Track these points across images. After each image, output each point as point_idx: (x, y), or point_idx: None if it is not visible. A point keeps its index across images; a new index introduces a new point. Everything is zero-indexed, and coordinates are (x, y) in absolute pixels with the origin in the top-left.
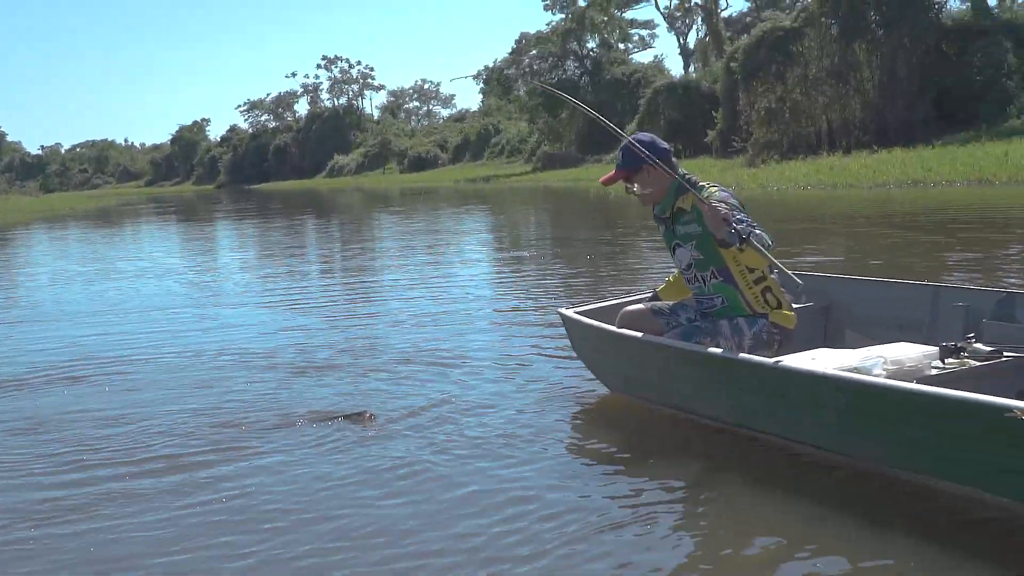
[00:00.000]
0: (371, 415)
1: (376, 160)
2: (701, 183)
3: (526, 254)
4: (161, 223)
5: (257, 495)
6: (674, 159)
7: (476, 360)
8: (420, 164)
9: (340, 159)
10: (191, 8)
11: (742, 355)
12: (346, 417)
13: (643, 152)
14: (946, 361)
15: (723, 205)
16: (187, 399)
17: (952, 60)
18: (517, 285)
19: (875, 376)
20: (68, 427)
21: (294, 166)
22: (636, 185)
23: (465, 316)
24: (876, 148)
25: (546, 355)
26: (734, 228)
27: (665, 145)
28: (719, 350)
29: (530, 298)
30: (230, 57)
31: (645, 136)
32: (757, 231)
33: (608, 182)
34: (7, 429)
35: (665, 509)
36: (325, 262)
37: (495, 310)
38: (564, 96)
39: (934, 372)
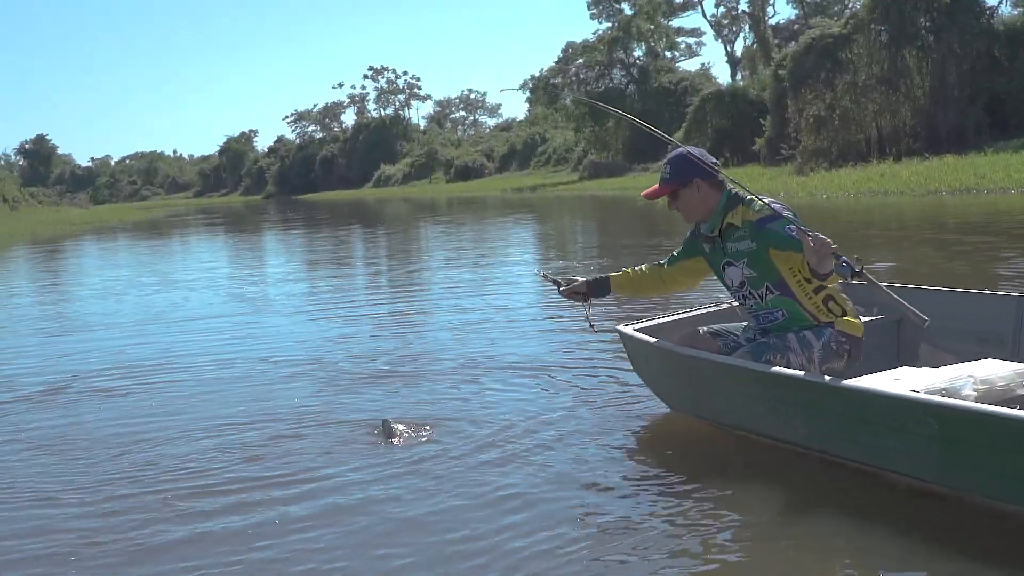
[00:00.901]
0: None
1: (422, 170)
2: (748, 196)
3: (576, 264)
4: (210, 234)
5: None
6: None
7: (531, 375)
8: (466, 174)
9: (386, 169)
10: (237, 19)
11: (822, 376)
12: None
13: (702, 162)
14: None
15: (823, 236)
16: (238, 409)
17: (1004, 65)
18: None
19: (965, 398)
20: (107, 441)
21: (341, 176)
22: (681, 201)
23: (519, 328)
24: (927, 155)
25: (605, 371)
26: (844, 260)
27: (713, 160)
28: (797, 371)
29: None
30: (277, 68)
31: (695, 150)
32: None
33: (653, 196)
34: (57, 438)
35: (739, 534)
36: (372, 272)
37: (548, 320)
38: (606, 108)
39: None
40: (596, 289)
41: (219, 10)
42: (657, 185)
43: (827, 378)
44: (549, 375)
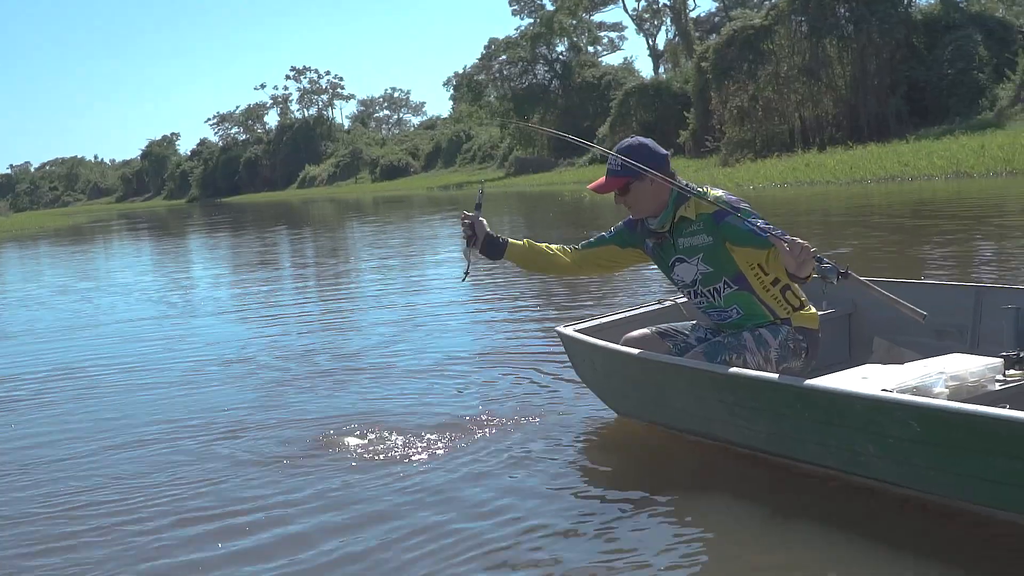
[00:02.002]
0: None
1: (348, 170)
2: (700, 187)
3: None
4: (133, 239)
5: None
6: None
7: (466, 377)
8: (392, 173)
9: (311, 170)
10: (158, 22)
11: (789, 377)
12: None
13: (655, 153)
14: (1007, 373)
15: (799, 239)
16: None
17: (923, 54)
18: (499, 294)
19: (937, 396)
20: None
21: (265, 178)
22: (632, 195)
23: (450, 331)
24: (851, 144)
25: (541, 373)
26: (826, 262)
27: (664, 151)
28: (758, 372)
29: (516, 309)
30: (199, 70)
31: (646, 140)
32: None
33: (602, 190)
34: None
35: (699, 543)
36: (300, 276)
37: (483, 320)
38: (540, 128)
39: (998, 387)
40: (490, 246)
41: (138, 12)
42: (604, 178)
43: (794, 379)
44: (484, 378)
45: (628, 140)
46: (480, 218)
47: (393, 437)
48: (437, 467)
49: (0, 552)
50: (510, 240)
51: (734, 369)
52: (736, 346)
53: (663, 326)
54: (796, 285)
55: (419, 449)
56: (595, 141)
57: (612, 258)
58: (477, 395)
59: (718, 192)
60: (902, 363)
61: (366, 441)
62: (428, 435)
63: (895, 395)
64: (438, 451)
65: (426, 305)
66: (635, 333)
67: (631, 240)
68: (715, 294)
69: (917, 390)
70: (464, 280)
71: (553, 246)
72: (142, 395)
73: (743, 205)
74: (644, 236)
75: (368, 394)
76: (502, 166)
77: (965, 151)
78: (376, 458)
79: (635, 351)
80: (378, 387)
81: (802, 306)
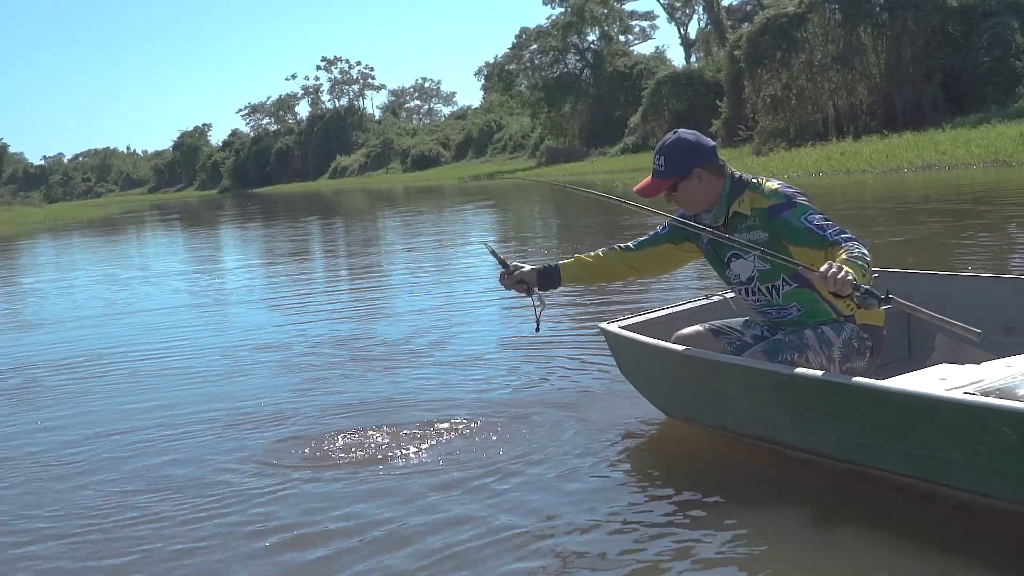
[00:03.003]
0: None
1: (379, 160)
2: (753, 179)
3: (534, 249)
4: (166, 230)
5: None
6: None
7: (505, 374)
8: (423, 163)
9: (343, 160)
10: (188, 13)
11: (862, 380)
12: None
13: (701, 146)
14: None
15: (837, 266)
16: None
17: (959, 42)
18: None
19: (1022, 399)
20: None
21: (297, 169)
22: (681, 194)
23: (491, 321)
24: (886, 133)
25: (582, 372)
26: (865, 289)
27: (711, 143)
28: (828, 373)
29: (556, 305)
30: (230, 61)
31: (689, 134)
32: (859, 255)
33: (649, 193)
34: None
35: (747, 553)
36: (332, 266)
37: (518, 313)
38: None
39: None
40: (545, 280)
41: (170, 4)
42: (650, 179)
43: (870, 382)
44: (522, 374)
45: (670, 136)
46: (514, 266)
47: (435, 429)
48: (477, 464)
49: (57, 540)
50: (560, 264)
51: (801, 370)
52: (798, 345)
53: (716, 323)
54: None
55: (463, 444)
56: (626, 130)
57: (669, 256)
58: (516, 393)
59: (774, 184)
60: (970, 361)
61: (403, 433)
62: (470, 430)
63: (986, 400)
64: (478, 447)
65: (464, 295)
66: (687, 331)
67: (686, 234)
68: (773, 291)
69: (1001, 392)
70: (538, 331)
71: (601, 251)
72: (182, 382)
73: (801, 199)
74: (699, 237)
75: (406, 384)
76: (533, 156)
77: (1003, 139)
78: (412, 451)
79: (689, 350)
80: (414, 377)
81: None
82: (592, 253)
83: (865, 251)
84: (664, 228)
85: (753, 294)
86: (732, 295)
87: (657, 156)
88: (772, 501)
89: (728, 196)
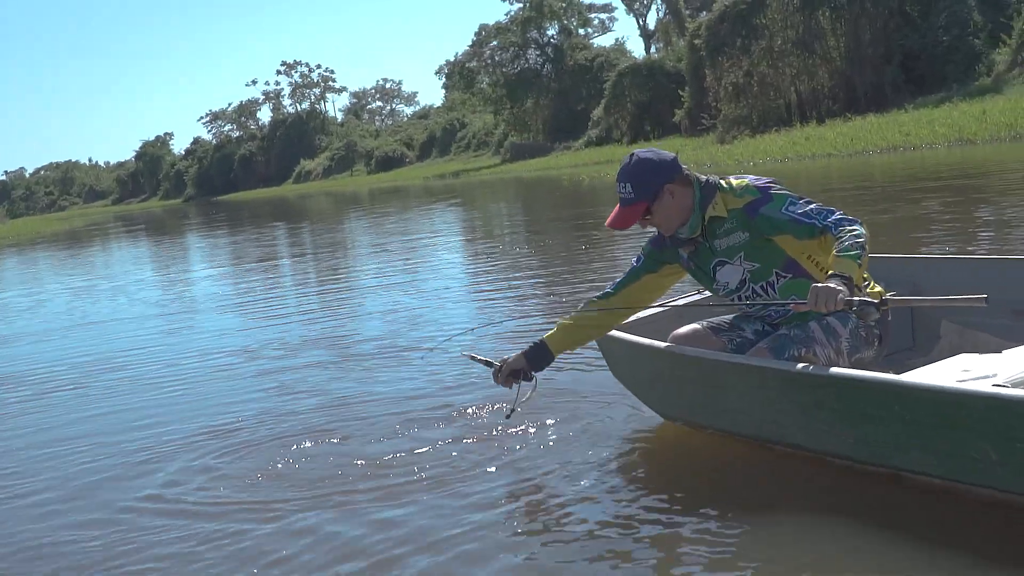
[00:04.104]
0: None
1: (343, 163)
2: (721, 179)
3: (518, 249)
4: (131, 241)
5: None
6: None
7: (485, 387)
8: (388, 164)
9: (306, 164)
10: (146, 22)
11: (883, 376)
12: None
13: (663, 161)
14: None
15: (823, 287)
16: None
17: (917, 22)
18: (515, 286)
19: None
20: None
21: (261, 175)
22: (656, 215)
23: (469, 327)
24: (849, 116)
25: (572, 373)
26: (859, 301)
27: (671, 155)
28: (845, 370)
29: (536, 299)
30: (189, 68)
31: (647, 153)
32: (851, 243)
33: (623, 224)
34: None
35: (755, 557)
36: (300, 271)
37: (501, 317)
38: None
39: None
40: (538, 361)
41: (128, 14)
42: (619, 208)
43: (892, 377)
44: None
45: (628, 160)
46: (500, 362)
47: (419, 434)
48: (474, 474)
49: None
50: (544, 339)
51: (814, 368)
52: (804, 339)
53: (713, 320)
54: None
55: (456, 452)
56: (590, 124)
57: (652, 286)
58: (496, 400)
59: (743, 180)
60: (981, 348)
61: (397, 438)
62: (464, 439)
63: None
64: (471, 457)
65: (435, 294)
66: (684, 330)
67: (663, 258)
68: (769, 289)
69: None
70: (509, 417)
71: (579, 307)
72: (154, 394)
73: (776, 188)
74: (676, 248)
75: (386, 386)
76: (497, 153)
77: (966, 118)
78: (406, 454)
79: (692, 351)
80: (398, 379)
81: (866, 283)
82: (572, 315)
83: (859, 231)
84: (639, 259)
85: (747, 299)
86: None
87: (622, 184)
88: (774, 502)
89: (700, 203)
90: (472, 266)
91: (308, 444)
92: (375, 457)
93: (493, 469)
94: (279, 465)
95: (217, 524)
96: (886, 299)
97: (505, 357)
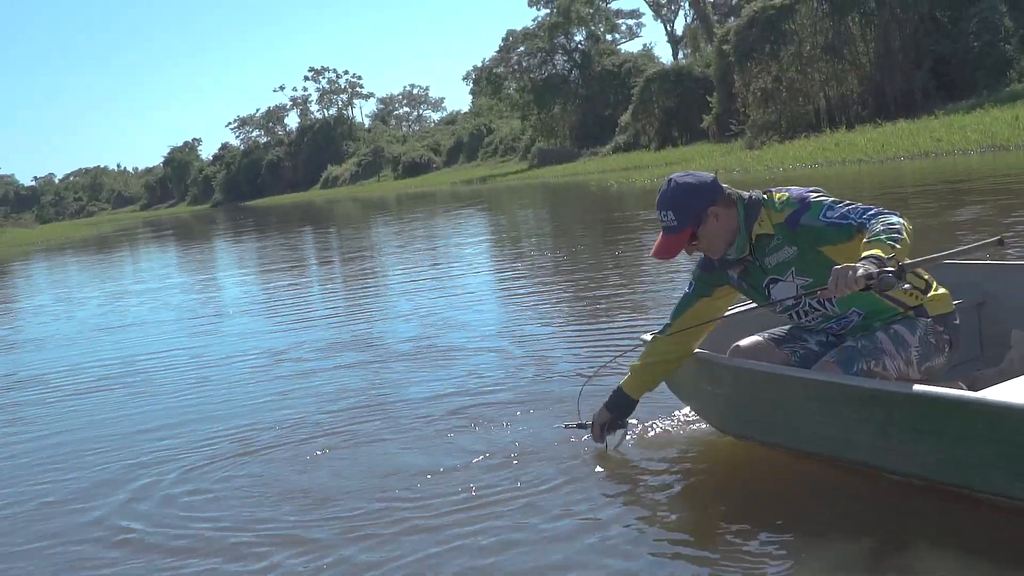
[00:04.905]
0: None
1: (370, 168)
2: (764, 194)
3: (545, 253)
4: (160, 246)
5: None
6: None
7: (542, 394)
8: (414, 169)
9: (334, 170)
10: (175, 29)
11: (968, 393)
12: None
13: (703, 184)
14: None
15: (841, 268)
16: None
17: (947, 28)
18: (552, 299)
19: None
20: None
21: (288, 180)
22: (703, 240)
23: (518, 338)
24: (879, 122)
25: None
26: (878, 272)
27: (711, 175)
28: (927, 387)
29: (580, 306)
30: (217, 74)
31: (686, 176)
32: (884, 229)
33: (670, 254)
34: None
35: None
36: (327, 275)
37: (546, 321)
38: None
39: None
40: (624, 409)
41: (156, 20)
42: (663, 237)
43: (978, 396)
44: (557, 395)
45: (666, 186)
46: (588, 420)
47: (448, 437)
48: (517, 484)
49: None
50: (621, 386)
51: (892, 384)
52: (872, 350)
53: (776, 331)
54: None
55: (510, 457)
56: (617, 129)
57: (709, 310)
58: (553, 414)
59: (784, 193)
60: None
61: (419, 438)
62: (511, 447)
63: None
64: (517, 465)
65: (475, 312)
66: (746, 342)
67: (715, 281)
68: (827, 303)
69: None
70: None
71: (643, 346)
72: (181, 397)
73: (814, 196)
74: (725, 269)
75: (417, 386)
76: (524, 158)
77: (999, 123)
78: (432, 455)
79: (757, 365)
80: (430, 379)
81: (929, 287)
82: (639, 358)
83: (894, 220)
84: (691, 285)
85: (806, 314)
86: None
87: (663, 212)
88: (842, 523)
89: (745, 222)
90: (503, 270)
91: (345, 449)
92: (420, 468)
93: (555, 481)
94: (305, 472)
95: (236, 535)
96: (902, 266)
97: (591, 416)
